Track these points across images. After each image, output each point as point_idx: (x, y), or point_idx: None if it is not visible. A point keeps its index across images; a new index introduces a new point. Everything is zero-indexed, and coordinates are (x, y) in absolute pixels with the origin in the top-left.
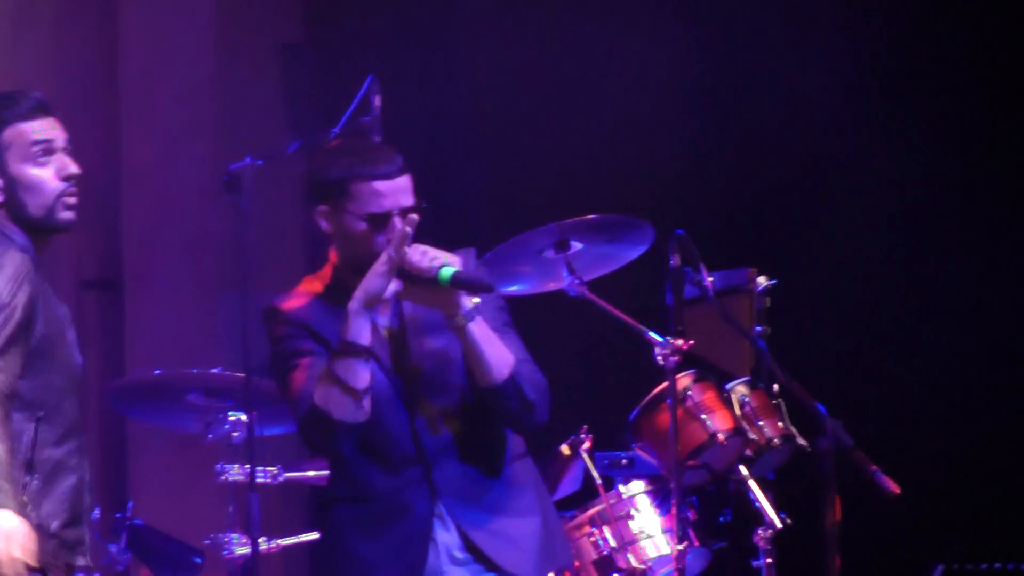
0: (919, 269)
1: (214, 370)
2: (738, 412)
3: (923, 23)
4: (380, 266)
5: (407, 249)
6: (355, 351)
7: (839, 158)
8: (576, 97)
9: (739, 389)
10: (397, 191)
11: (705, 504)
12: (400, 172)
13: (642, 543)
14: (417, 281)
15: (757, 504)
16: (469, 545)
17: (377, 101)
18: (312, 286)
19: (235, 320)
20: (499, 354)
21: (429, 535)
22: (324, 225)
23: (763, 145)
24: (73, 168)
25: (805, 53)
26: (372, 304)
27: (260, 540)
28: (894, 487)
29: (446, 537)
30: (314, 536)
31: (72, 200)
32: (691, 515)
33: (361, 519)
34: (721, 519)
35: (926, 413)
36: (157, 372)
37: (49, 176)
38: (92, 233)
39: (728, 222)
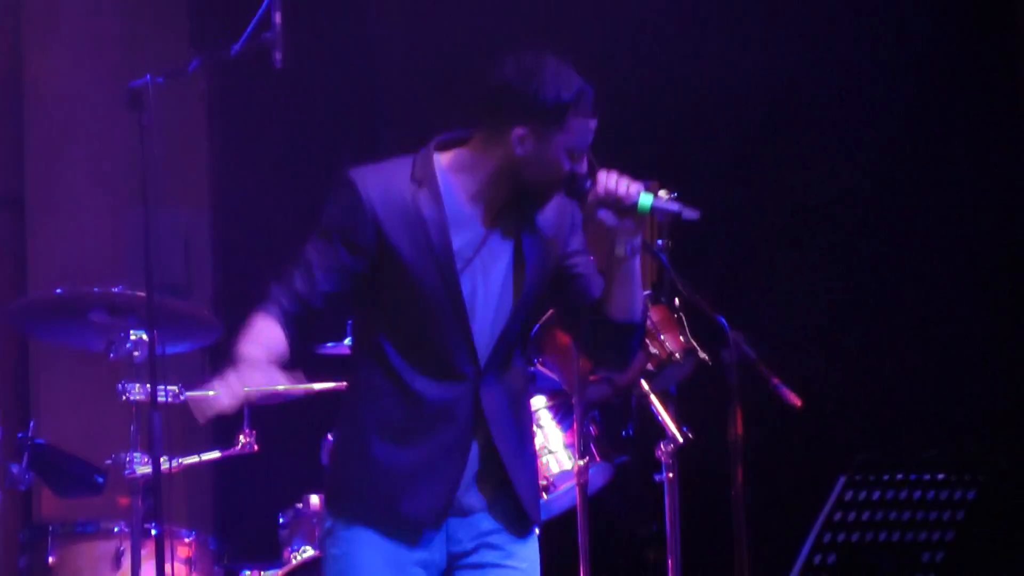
0: (810, 177)
1: (116, 288)
2: None
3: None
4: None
5: (601, 175)
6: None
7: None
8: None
9: None
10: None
11: (607, 419)
12: None
13: (544, 458)
14: (610, 206)
15: (659, 418)
16: (489, 465)
17: (278, 17)
18: (421, 172)
19: (139, 236)
20: (640, 295)
21: (469, 447)
22: (516, 144)
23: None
24: None
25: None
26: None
27: (162, 459)
28: (795, 399)
29: (474, 453)
30: (215, 455)
31: None
32: (593, 430)
33: (401, 423)
34: (623, 434)
35: (827, 325)
36: (59, 290)
37: None
38: None
39: (631, 136)
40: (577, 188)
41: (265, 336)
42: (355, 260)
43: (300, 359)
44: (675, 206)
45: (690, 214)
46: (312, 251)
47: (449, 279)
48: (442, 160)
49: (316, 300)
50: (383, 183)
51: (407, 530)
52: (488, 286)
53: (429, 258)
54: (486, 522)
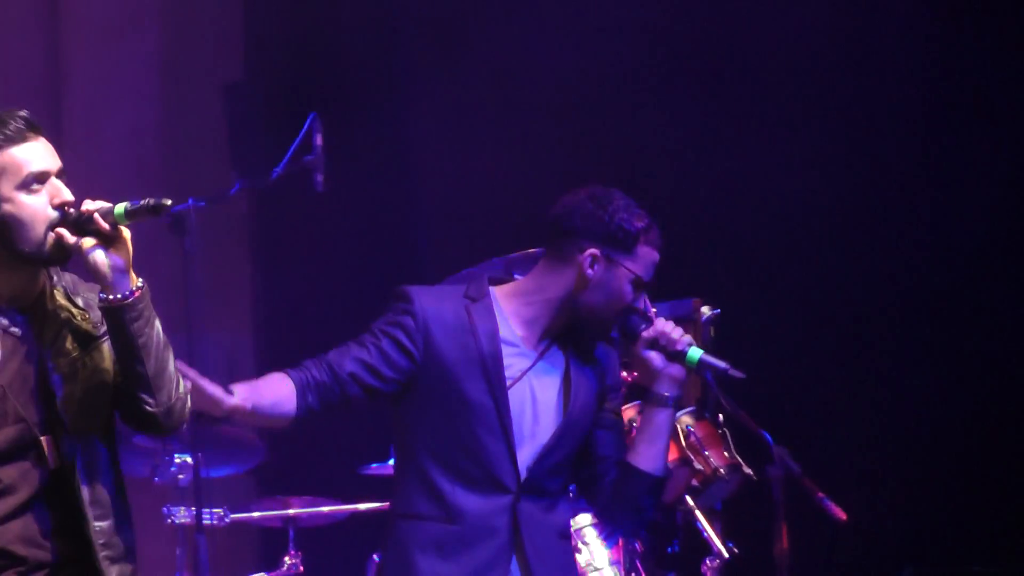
0: (858, 297)
1: None
2: (684, 442)
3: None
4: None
5: (658, 320)
6: None
7: (781, 190)
8: (530, 122)
9: (684, 419)
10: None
11: (653, 535)
12: None
13: None
14: (660, 349)
15: (705, 534)
16: None
17: (319, 139)
18: (475, 292)
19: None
20: (667, 452)
21: (509, 561)
22: (586, 264)
23: (706, 181)
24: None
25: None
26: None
27: None
28: (841, 513)
29: (515, 570)
30: None
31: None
32: (639, 547)
33: (443, 539)
34: (669, 550)
35: (871, 440)
36: None
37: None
38: None
39: (672, 252)
40: (632, 326)
41: (265, 384)
42: (398, 362)
43: (344, 480)
44: (722, 364)
45: (736, 374)
46: (354, 342)
47: (497, 391)
48: (496, 290)
49: (343, 373)
50: (436, 296)
51: None
52: (536, 407)
53: (478, 368)
54: None
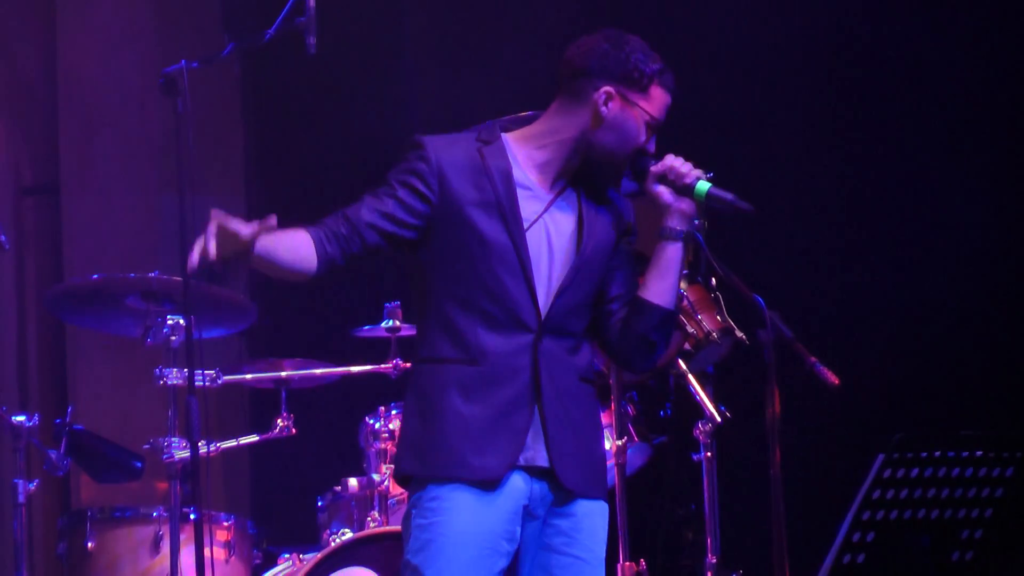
0: (854, 165)
1: (152, 274)
2: None
3: None
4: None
5: (668, 155)
6: None
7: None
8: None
9: None
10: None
11: (645, 399)
12: None
13: None
14: (669, 184)
15: (697, 398)
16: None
17: (312, 1)
18: (487, 135)
19: (174, 223)
20: (677, 286)
21: (534, 400)
22: (600, 101)
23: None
24: None
25: None
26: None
27: (200, 444)
28: (833, 378)
29: (537, 411)
30: (253, 439)
31: None
32: (631, 410)
33: (468, 380)
34: (661, 414)
35: (864, 303)
36: (95, 276)
37: None
38: (29, 139)
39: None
40: (642, 165)
41: (282, 233)
42: (415, 207)
43: (337, 342)
44: (730, 196)
45: (744, 207)
46: (369, 194)
47: (514, 230)
48: (508, 135)
49: (361, 223)
50: (448, 140)
51: (485, 484)
52: (551, 249)
53: (495, 209)
54: (551, 485)
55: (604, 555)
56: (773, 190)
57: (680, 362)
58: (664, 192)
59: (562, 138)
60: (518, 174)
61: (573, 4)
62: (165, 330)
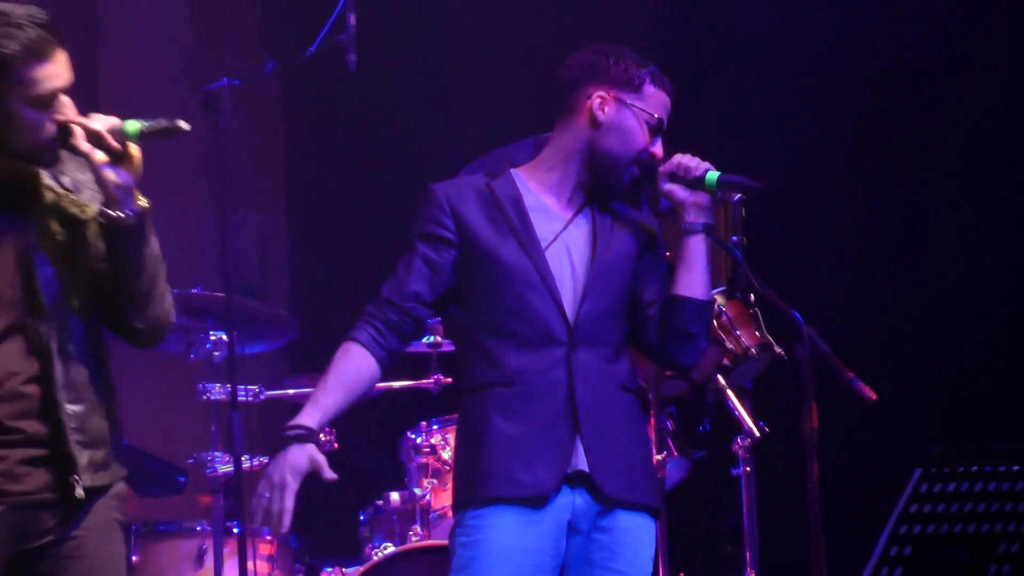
0: (886, 177)
1: (194, 290)
2: (715, 322)
3: None
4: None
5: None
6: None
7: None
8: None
9: (716, 299)
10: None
11: (684, 414)
12: None
13: None
14: (679, 180)
15: (736, 413)
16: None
17: (352, 19)
18: (494, 170)
19: (215, 239)
20: (708, 277)
21: (573, 414)
22: (595, 106)
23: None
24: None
25: None
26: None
27: (243, 458)
28: (870, 393)
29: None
30: None
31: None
32: (670, 425)
33: (508, 401)
34: (700, 429)
35: (901, 320)
36: None
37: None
38: None
39: (701, 133)
40: (651, 169)
41: (342, 374)
42: (442, 256)
43: None
44: (740, 178)
45: (755, 185)
46: (400, 263)
47: (532, 251)
48: (515, 170)
49: (407, 301)
50: (456, 183)
51: (531, 501)
52: (573, 265)
53: (510, 235)
54: (593, 495)
55: (650, 570)
56: (810, 206)
57: (719, 377)
58: (677, 189)
59: (567, 153)
60: (530, 200)
61: (611, 18)
62: (208, 346)
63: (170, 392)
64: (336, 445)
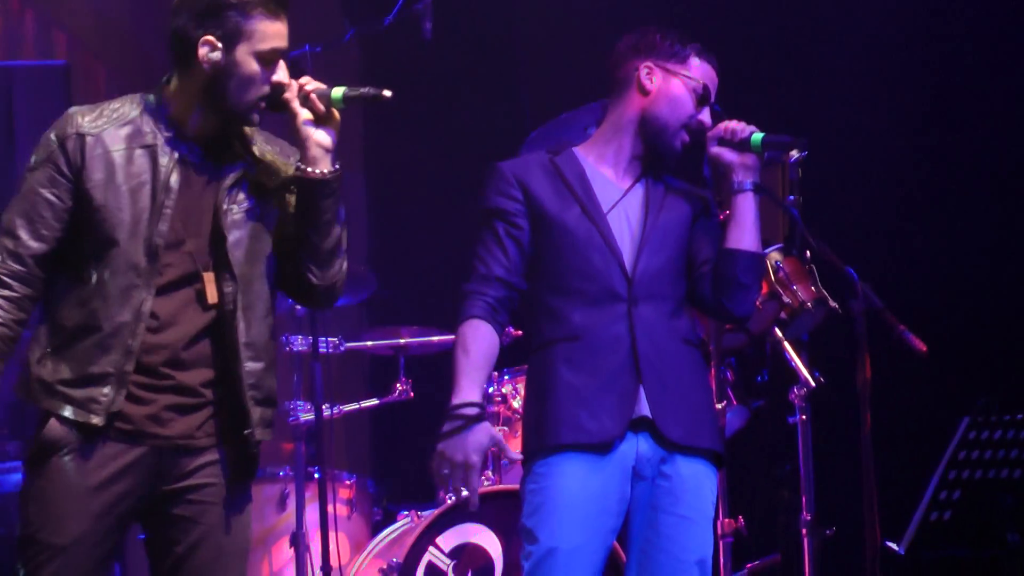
0: (942, 140)
1: None
2: (773, 277)
3: None
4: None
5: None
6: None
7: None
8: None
9: (773, 255)
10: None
11: (743, 365)
12: None
13: None
14: (727, 144)
15: (792, 364)
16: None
17: None
18: (555, 147)
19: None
20: (758, 232)
21: (635, 366)
22: (643, 75)
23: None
24: (284, 76)
25: None
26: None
27: (323, 407)
28: (921, 345)
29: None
30: (373, 402)
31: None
32: (730, 376)
33: (573, 354)
34: (758, 379)
35: (951, 275)
36: None
37: (264, 76)
38: None
39: (761, 93)
40: (701, 135)
41: (482, 350)
42: (522, 229)
43: (453, 311)
44: (785, 137)
45: (799, 142)
46: (484, 241)
47: (595, 215)
48: (576, 148)
49: (514, 276)
50: (521, 160)
51: (596, 447)
52: (631, 229)
53: (573, 202)
54: (655, 440)
55: (712, 514)
56: (863, 168)
57: (776, 330)
58: (725, 152)
59: (621, 125)
60: (591, 172)
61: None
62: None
63: None
64: (412, 394)
